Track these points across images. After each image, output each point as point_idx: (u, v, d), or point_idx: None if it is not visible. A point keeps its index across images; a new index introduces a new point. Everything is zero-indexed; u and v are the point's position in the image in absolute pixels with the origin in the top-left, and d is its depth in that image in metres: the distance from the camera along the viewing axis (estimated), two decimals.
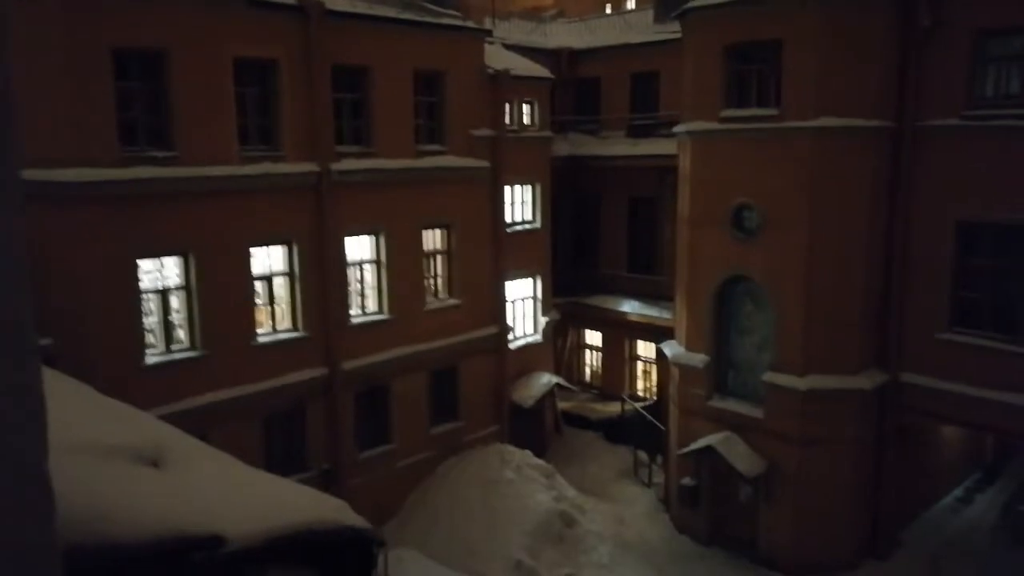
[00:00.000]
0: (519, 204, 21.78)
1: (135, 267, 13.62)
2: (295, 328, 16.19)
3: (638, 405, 22.32)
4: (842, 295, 16.16)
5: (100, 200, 12.83)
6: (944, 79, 15.40)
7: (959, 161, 15.37)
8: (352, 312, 17.30)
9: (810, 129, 15.63)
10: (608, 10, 40.62)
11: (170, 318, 14.38)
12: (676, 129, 18.50)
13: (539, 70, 21.74)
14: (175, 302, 14.46)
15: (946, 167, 15.55)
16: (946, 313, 15.91)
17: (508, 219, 20.92)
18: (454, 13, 18.78)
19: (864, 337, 16.43)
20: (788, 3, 15.69)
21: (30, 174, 10.77)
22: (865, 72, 15.52)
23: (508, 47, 22.09)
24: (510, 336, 21.19)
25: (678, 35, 18.76)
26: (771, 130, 16.14)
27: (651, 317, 22.76)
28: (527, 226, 21.89)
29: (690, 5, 17.57)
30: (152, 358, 13.96)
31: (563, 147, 24.07)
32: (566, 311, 24.34)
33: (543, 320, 22.59)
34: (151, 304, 14.12)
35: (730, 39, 16.59)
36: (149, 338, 14.05)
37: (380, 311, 17.86)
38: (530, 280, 22.23)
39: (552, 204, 22.56)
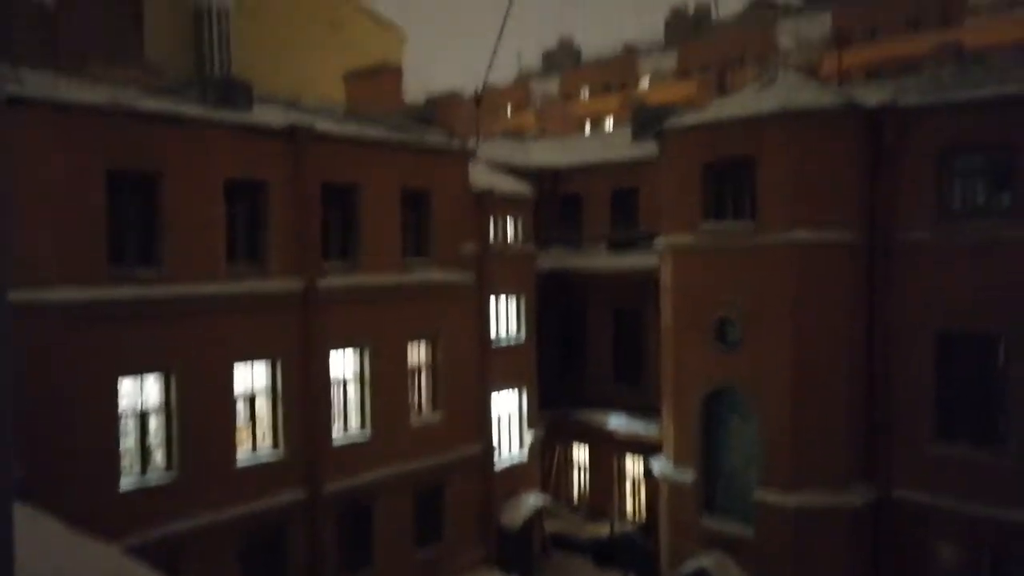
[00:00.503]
0: (504, 317, 21.88)
1: (116, 387, 13.38)
2: (276, 449, 15.80)
3: (628, 525, 21.72)
4: (828, 407, 16.11)
5: (85, 319, 12.74)
6: (913, 194, 15.94)
7: (934, 273, 15.71)
8: (334, 431, 16.96)
9: (787, 241, 16.01)
10: (588, 130, 42.29)
11: (147, 440, 14.01)
12: (657, 242, 18.88)
13: (522, 187, 22.35)
14: (154, 423, 14.12)
15: (922, 279, 15.87)
16: (932, 425, 15.85)
17: (493, 332, 20.95)
18: (439, 134, 19.44)
19: (852, 450, 16.27)
20: (759, 123, 16.40)
21: (14, 295, 10.70)
22: (837, 187, 16.07)
23: (492, 166, 22.77)
24: (496, 455, 20.80)
25: (655, 153, 19.47)
26: (750, 243, 16.51)
27: (638, 431, 22.48)
28: (512, 339, 21.91)
29: (666, 125, 18.32)
30: (127, 483, 13.49)
31: (547, 261, 24.44)
32: (552, 425, 24.02)
33: (529, 436, 22.25)
34: (129, 425, 13.78)
35: (706, 157, 17.22)
36: (125, 461, 13.62)
37: (363, 429, 17.53)
38: (515, 393, 22.04)
39: (537, 317, 22.69)
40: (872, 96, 17.11)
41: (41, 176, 12.37)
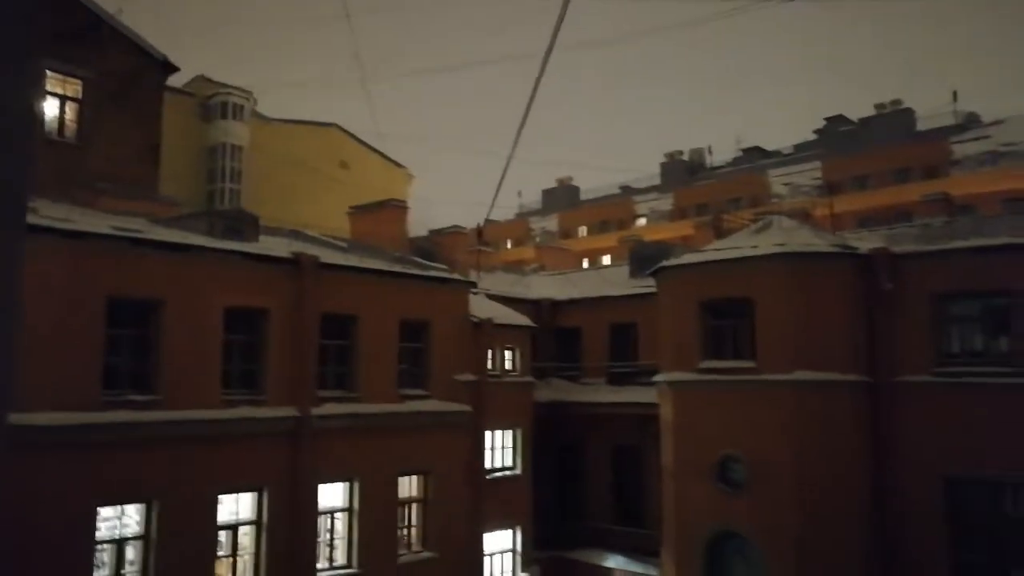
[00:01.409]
0: (500, 450, 21.43)
1: (94, 516, 12.89)
2: None
3: None
4: (837, 552, 15.48)
5: (71, 445, 12.45)
6: (911, 337, 16.03)
7: (937, 416, 15.54)
8: (319, 565, 16.20)
9: (788, 382, 15.93)
10: (586, 265, 43.11)
11: (122, 572, 13.35)
12: (656, 378, 18.78)
13: (521, 318, 22.49)
14: (131, 553, 13.51)
15: (925, 421, 15.68)
16: (944, 572, 15.17)
17: (488, 465, 20.44)
18: (440, 266, 19.79)
19: None
20: (755, 265, 16.72)
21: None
22: (835, 329, 16.17)
23: (492, 297, 23.02)
24: None
25: (653, 289, 19.73)
26: (750, 382, 16.42)
27: (639, 574, 21.47)
28: (508, 473, 21.35)
29: (663, 264, 18.67)
30: None
31: (545, 393, 24.23)
32: (548, 566, 22.96)
33: None
34: (104, 556, 13.17)
35: (703, 296, 17.43)
36: None
37: (349, 564, 16.75)
38: (510, 532, 21.23)
39: (534, 451, 22.21)
40: (865, 242, 17.56)
41: (42, 301, 12.46)
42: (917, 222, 21.51)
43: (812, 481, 15.61)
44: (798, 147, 54.32)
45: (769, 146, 58.47)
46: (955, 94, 47.59)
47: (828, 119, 52.79)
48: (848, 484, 15.75)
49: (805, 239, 17.28)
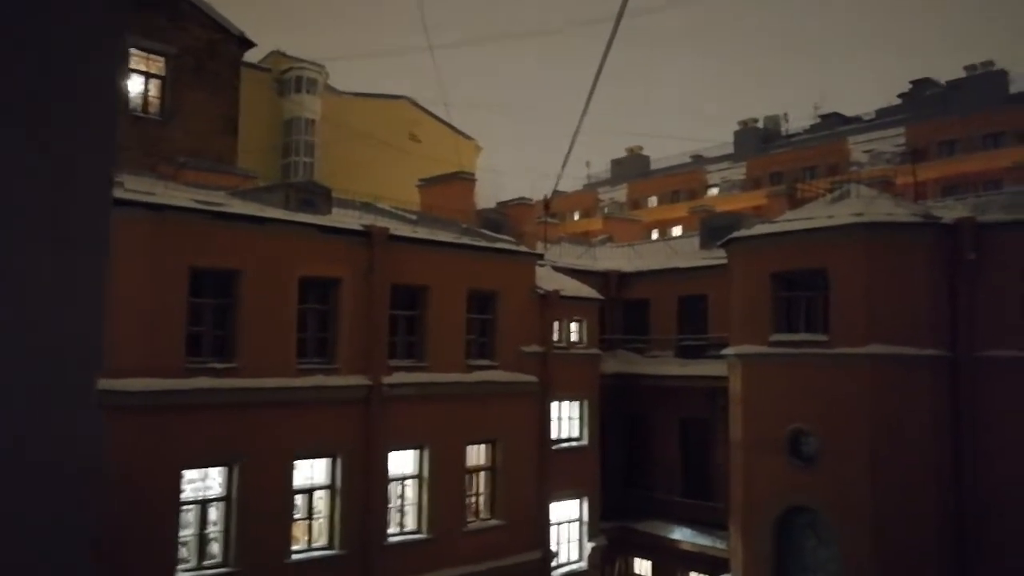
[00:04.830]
0: (567, 420, 21.54)
1: (180, 477, 13.60)
2: (331, 546, 15.62)
3: None
4: (914, 528, 15.10)
5: (159, 410, 13.12)
6: (996, 311, 15.34)
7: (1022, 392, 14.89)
8: (390, 530, 16.72)
9: (863, 356, 15.49)
10: (655, 236, 42.59)
11: (206, 531, 14.07)
12: (725, 352, 18.52)
13: (588, 291, 22.41)
14: (213, 514, 14.21)
15: (1010, 397, 15.04)
16: None
17: (555, 435, 20.61)
18: (508, 238, 19.86)
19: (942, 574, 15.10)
20: (831, 235, 16.22)
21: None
22: (913, 301, 15.60)
23: (558, 269, 23.00)
24: (554, 563, 20.04)
25: (724, 261, 19.37)
26: (823, 355, 16.04)
27: (705, 546, 21.42)
28: (574, 443, 21.47)
29: (735, 235, 18.29)
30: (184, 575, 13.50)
31: (612, 365, 24.17)
32: (614, 537, 23.10)
33: (589, 546, 21.43)
34: (189, 516, 13.90)
35: (776, 267, 17.03)
36: (182, 552, 13.67)
37: (419, 530, 17.23)
38: (576, 502, 21.40)
39: (601, 423, 22.25)
40: (949, 212, 16.81)
41: (129, 272, 13.08)
42: (1007, 190, 20.43)
43: (887, 457, 15.21)
44: (880, 112, 52.10)
45: (849, 112, 56.27)
46: None
47: (914, 82, 50.41)
48: (925, 460, 15.29)
49: (884, 208, 16.65)
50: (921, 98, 48.58)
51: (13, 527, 1.23)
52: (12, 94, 1.23)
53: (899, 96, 51.42)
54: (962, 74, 46.87)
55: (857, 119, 54.45)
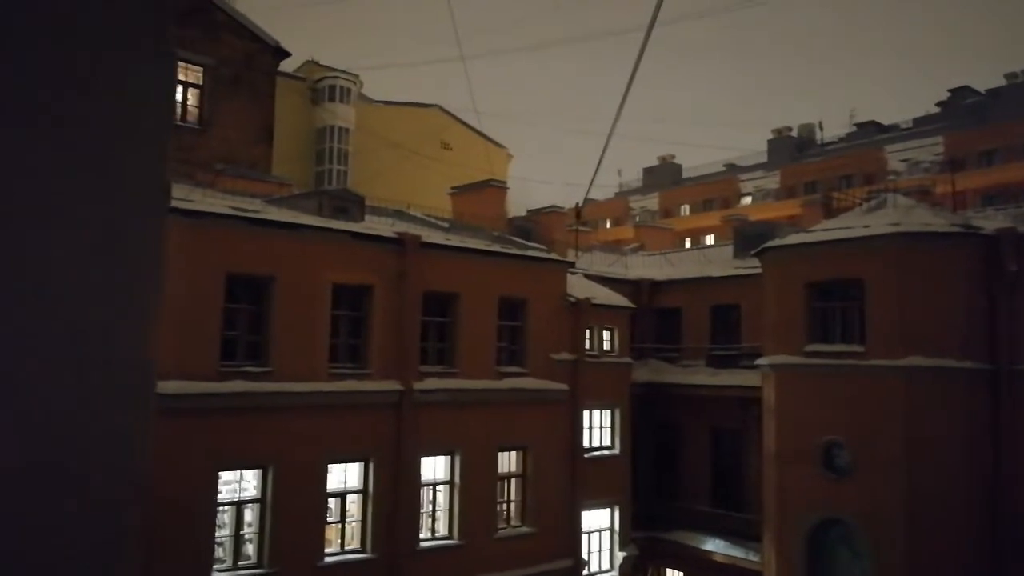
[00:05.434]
0: (598, 429, 21.47)
1: (216, 479, 13.83)
2: (363, 549, 15.75)
3: None
4: (949, 542, 14.80)
5: (195, 413, 13.37)
6: None
7: None
8: (422, 535, 16.81)
9: (899, 368, 15.26)
10: (688, 245, 42.35)
11: (242, 532, 14.28)
12: (759, 362, 18.36)
13: (619, 299, 22.36)
14: (249, 515, 14.42)
15: None
16: None
17: (586, 443, 20.56)
18: (538, 246, 19.90)
19: None
20: (867, 245, 16.02)
21: None
22: (951, 314, 15.34)
23: (590, 277, 22.98)
24: (585, 572, 19.96)
25: (758, 270, 19.21)
26: (858, 367, 15.83)
27: (737, 558, 21.19)
28: (606, 452, 21.39)
29: (769, 244, 18.14)
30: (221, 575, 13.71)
31: (643, 373, 24.05)
32: (645, 547, 22.95)
33: (620, 555, 21.31)
34: (225, 517, 14.13)
35: (811, 277, 16.86)
36: (218, 552, 13.90)
37: (450, 536, 17.29)
38: (607, 510, 21.31)
39: (632, 431, 22.15)
40: (990, 222, 16.52)
41: (168, 277, 13.36)
42: None
43: (923, 470, 14.95)
44: (918, 121, 51.29)
45: (886, 120, 55.48)
46: None
47: (952, 90, 49.56)
48: (961, 474, 15.00)
49: (922, 218, 16.41)
50: (960, 106, 47.75)
51: (70, 535, 1.25)
52: (71, 105, 1.26)
53: (937, 104, 50.60)
54: (1002, 82, 46.01)
55: (894, 127, 53.67)
